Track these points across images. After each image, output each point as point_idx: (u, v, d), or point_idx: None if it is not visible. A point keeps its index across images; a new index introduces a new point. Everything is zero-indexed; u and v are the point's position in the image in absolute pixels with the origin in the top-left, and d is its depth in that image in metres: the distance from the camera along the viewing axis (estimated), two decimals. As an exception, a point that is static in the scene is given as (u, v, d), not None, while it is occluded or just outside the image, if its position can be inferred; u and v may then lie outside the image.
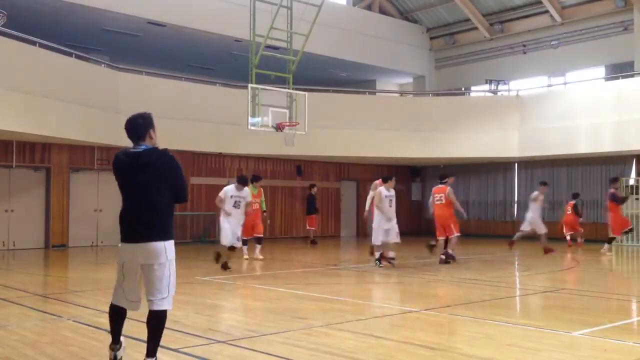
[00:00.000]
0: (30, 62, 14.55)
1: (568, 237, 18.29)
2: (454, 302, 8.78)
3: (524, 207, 22.74)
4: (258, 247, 13.98)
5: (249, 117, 14.83)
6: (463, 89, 24.40)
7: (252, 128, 15.07)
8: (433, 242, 13.87)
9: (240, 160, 21.09)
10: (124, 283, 4.74)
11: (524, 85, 22.17)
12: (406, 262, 13.44)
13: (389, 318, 7.40)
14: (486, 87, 22.58)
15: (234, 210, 11.67)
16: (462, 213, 13.64)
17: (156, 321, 4.64)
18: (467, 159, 21.53)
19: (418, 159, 22.23)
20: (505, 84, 22.23)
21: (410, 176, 25.92)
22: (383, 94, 24.57)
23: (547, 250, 15.16)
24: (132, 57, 20.56)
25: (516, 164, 22.95)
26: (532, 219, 15.43)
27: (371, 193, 13.62)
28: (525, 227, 15.57)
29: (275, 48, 16.16)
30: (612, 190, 15.82)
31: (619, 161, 20.09)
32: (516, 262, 14.92)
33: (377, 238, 12.50)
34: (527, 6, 22.54)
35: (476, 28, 23.81)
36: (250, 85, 14.97)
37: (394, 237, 12.35)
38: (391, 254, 12.37)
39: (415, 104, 22.64)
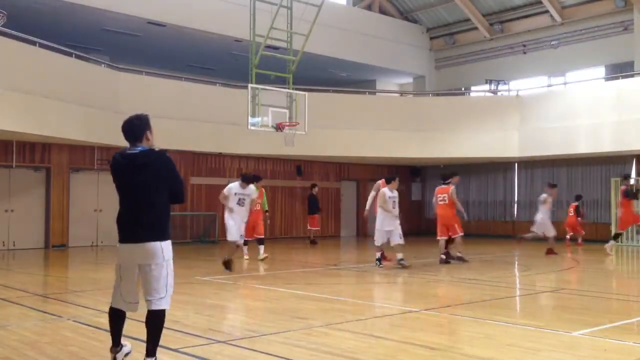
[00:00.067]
0: (30, 62, 14.55)
1: (567, 237, 18.31)
2: (454, 302, 8.78)
3: (524, 207, 22.86)
4: (261, 247, 13.93)
5: (249, 117, 14.83)
6: (463, 89, 24.40)
7: (252, 128, 15.07)
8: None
9: (240, 160, 21.09)
10: (122, 284, 4.77)
11: (524, 85, 22.17)
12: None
13: (389, 318, 7.40)
14: (486, 87, 22.58)
15: (238, 207, 11.60)
16: (463, 213, 13.64)
17: (155, 321, 4.66)
18: (467, 159, 21.53)
19: (418, 159, 22.23)
20: (505, 84, 22.23)
21: (410, 176, 25.92)
22: (383, 94, 24.57)
23: (549, 252, 15.13)
24: (132, 57, 20.56)
25: (516, 164, 22.95)
26: (542, 221, 15.34)
27: (373, 193, 13.61)
28: (538, 230, 15.47)
29: (275, 48, 16.16)
30: (624, 187, 15.78)
31: (619, 161, 20.08)
32: (516, 262, 14.93)
33: (378, 239, 12.47)
34: (527, 6, 22.55)
35: (476, 28, 23.81)
36: (250, 85, 14.97)
37: (397, 239, 12.25)
38: (399, 256, 12.19)
39: (415, 104, 22.64)
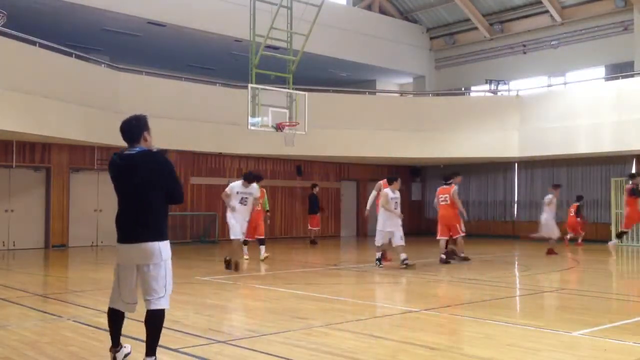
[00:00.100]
0: (30, 62, 14.55)
1: (567, 237, 18.30)
2: (454, 302, 8.79)
3: (524, 207, 22.87)
4: (262, 248, 13.91)
5: (249, 117, 14.83)
6: (463, 89, 24.40)
7: (252, 128, 15.07)
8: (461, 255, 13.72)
9: (240, 160, 21.10)
10: (120, 284, 4.79)
11: (524, 85, 22.17)
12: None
13: (389, 318, 7.40)
14: (486, 87, 22.58)
15: (240, 206, 11.52)
16: (464, 214, 13.63)
17: (154, 320, 4.68)
18: (467, 159, 21.53)
19: (418, 159, 22.22)
20: (505, 84, 22.22)
21: (410, 176, 25.92)
22: (383, 94, 24.57)
23: (550, 252, 15.13)
24: (132, 57, 20.57)
25: (516, 164, 22.95)
26: (546, 222, 15.30)
27: (374, 193, 13.59)
28: (545, 233, 15.42)
29: (275, 48, 16.16)
30: (630, 185, 15.72)
31: (619, 161, 20.08)
32: (516, 262, 14.93)
33: (378, 240, 12.45)
34: (527, 6, 22.54)
35: (476, 28, 23.81)
36: (250, 85, 14.97)
37: (398, 240, 12.18)
38: (403, 256, 12.11)
39: (415, 104, 22.64)
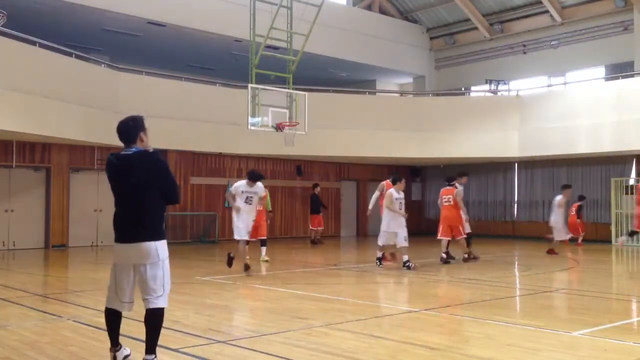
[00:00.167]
0: (30, 62, 14.55)
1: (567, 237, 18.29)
2: (454, 302, 8.79)
3: (524, 207, 22.87)
4: (263, 249, 13.88)
5: (249, 117, 14.82)
6: (463, 89, 24.39)
7: (252, 128, 15.07)
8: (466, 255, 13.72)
9: (240, 160, 21.10)
10: (117, 284, 4.82)
11: (524, 85, 22.16)
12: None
13: (389, 318, 7.40)
14: (486, 87, 22.58)
15: (246, 206, 11.27)
16: (466, 216, 13.61)
17: (154, 319, 4.71)
18: (467, 159, 21.53)
19: (418, 159, 22.22)
20: (505, 84, 22.22)
21: (410, 176, 25.90)
22: (383, 94, 24.56)
23: (550, 251, 15.12)
24: (132, 57, 20.56)
25: (516, 164, 22.95)
26: (556, 224, 15.24)
27: (377, 193, 13.57)
28: (558, 236, 15.33)
29: (275, 48, 16.16)
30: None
31: (619, 161, 20.08)
32: (516, 262, 14.93)
33: (381, 239, 12.42)
34: (527, 6, 22.54)
35: (476, 28, 23.81)
36: (250, 85, 14.97)
37: (402, 241, 12.13)
38: (405, 258, 12.06)
39: (415, 104, 22.64)
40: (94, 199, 18.01)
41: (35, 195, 17.30)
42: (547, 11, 21.92)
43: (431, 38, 25.45)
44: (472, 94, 24.01)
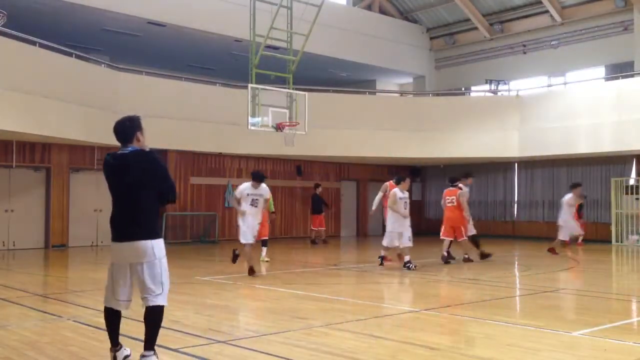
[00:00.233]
0: (30, 62, 14.55)
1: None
2: (454, 302, 8.79)
3: (524, 207, 22.87)
4: (264, 249, 13.86)
5: (249, 117, 14.83)
6: (463, 89, 24.39)
7: (252, 128, 15.07)
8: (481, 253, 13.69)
9: (240, 160, 21.09)
10: (114, 282, 4.83)
11: (524, 85, 22.16)
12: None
13: (389, 318, 7.40)
14: (486, 87, 22.58)
15: (251, 209, 11.02)
16: (469, 217, 13.58)
17: (153, 317, 4.72)
18: (467, 159, 21.53)
19: (418, 159, 22.22)
20: (505, 84, 22.22)
21: (410, 176, 25.84)
22: (383, 94, 24.56)
23: (551, 250, 15.11)
24: (132, 57, 20.56)
25: (516, 164, 22.95)
26: (565, 224, 15.17)
27: (380, 194, 13.55)
28: (564, 235, 15.32)
29: (275, 48, 16.16)
30: None
31: (619, 161, 20.08)
32: (516, 262, 14.93)
33: (386, 240, 12.37)
34: (527, 6, 22.54)
35: (476, 28, 23.81)
36: (250, 85, 14.97)
37: (406, 241, 12.11)
38: (406, 258, 12.04)
39: (415, 104, 22.64)
40: (93, 199, 18.00)
41: (35, 195, 17.30)
42: (547, 11, 21.92)
43: (431, 38, 25.45)
44: (472, 94, 24.01)
